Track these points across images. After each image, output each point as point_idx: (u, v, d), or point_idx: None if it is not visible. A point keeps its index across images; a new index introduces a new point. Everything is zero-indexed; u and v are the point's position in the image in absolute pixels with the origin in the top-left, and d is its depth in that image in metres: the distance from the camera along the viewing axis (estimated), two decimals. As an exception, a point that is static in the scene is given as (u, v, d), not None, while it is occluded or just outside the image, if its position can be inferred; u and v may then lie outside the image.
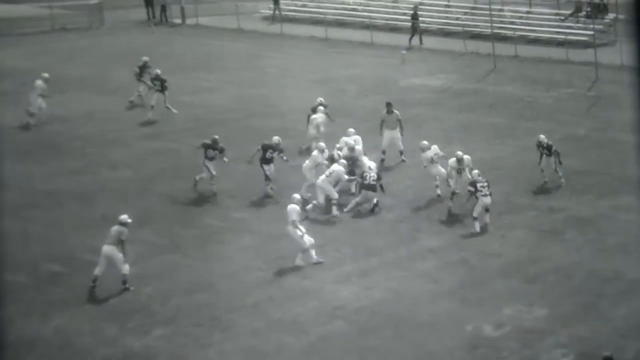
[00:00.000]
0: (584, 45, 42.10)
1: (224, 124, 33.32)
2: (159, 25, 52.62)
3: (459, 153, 24.79)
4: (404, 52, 42.61)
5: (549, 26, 45.75)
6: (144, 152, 30.52)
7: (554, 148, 25.88)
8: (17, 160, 28.92)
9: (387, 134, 28.00)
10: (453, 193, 24.22)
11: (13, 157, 28.87)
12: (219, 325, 18.93)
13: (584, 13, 45.17)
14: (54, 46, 47.44)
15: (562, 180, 25.80)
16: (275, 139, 26.11)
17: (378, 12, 50.46)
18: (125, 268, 20.33)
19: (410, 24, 46.17)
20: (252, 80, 34.82)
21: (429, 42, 45.09)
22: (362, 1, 51.99)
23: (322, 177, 24.68)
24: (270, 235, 22.72)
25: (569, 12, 45.84)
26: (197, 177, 26.21)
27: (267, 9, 53.49)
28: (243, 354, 17.90)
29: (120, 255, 20.32)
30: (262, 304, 19.75)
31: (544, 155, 25.83)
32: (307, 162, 25.84)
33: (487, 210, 23.31)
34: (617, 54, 37.91)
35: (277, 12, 52.34)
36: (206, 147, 26.26)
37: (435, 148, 25.46)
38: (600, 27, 43.60)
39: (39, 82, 33.36)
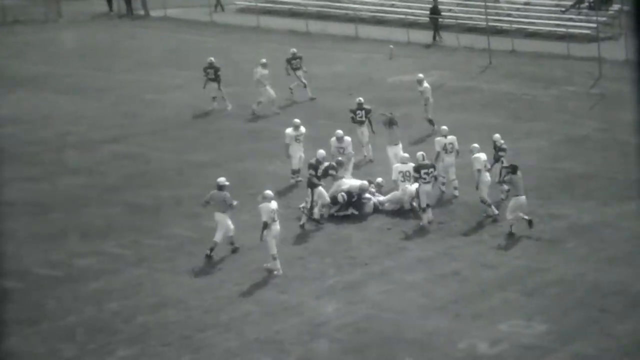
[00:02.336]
0: (587, 39, 42.34)
1: (194, 125, 33.44)
2: (122, 17, 52.64)
3: (445, 127, 26.41)
4: (391, 46, 42.79)
5: (549, 18, 46.00)
6: (106, 156, 30.58)
7: (504, 154, 25.47)
8: (-35, 167, 28.94)
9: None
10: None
11: (-40, 164, 28.89)
12: (189, 345, 18.99)
13: (586, 4, 45.39)
14: (5, 40, 47.33)
15: (503, 196, 25.24)
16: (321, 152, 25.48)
17: (364, 3, 50.58)
18: (231, 229, 22.67)
19: (429, 19, 46.04)
20: (225, 78, 34.86)
21: (418, 36, 45.28)
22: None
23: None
24: (246, 246, 22.80)
25: (570, 3, 46.09)
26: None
27: (243, 0, 53.55)
28: (216, 375, 17.97)
29: (229, 222, 22.50)
30: (237, 322, 19.83)
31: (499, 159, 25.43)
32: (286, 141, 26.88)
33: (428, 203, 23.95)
34: (622, 49, 38.18)
35: (219, 6, 52.33)
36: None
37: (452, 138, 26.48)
38: (604, 19, 43.88)
39: None
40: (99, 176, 28.81)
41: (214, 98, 34.43)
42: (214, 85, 34.37)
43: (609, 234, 23.33)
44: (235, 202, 23.09)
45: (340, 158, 26.18)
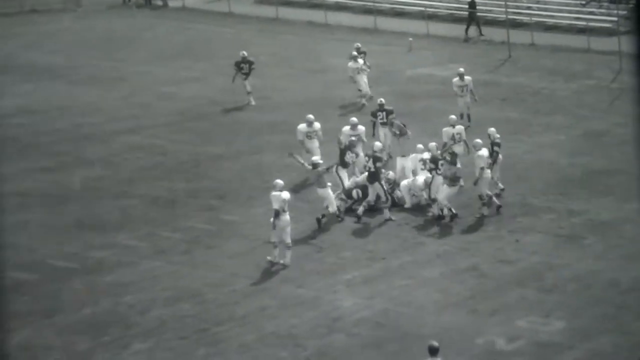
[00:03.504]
0: (607, 32, 42.16)
1: (210, 117, 33.47)
2: (141, 8, 52.68)
3: (453, 117, 26.91)
4: (410, 39, 42.72)
5: (569, 11, 45.84)
6: (122, 148, 30.63)
7: (498, 149, 25.19)
8: (-20, 158, 29.04)
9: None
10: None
11: (-25, 155, 29.00)
12: (205, 339, 19.02)
13: (607, -3, 45.24)
14: (22, 30, 47.46)
15: (497, 190, 25.18)
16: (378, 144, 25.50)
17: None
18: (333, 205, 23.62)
19: (467, 13, 45.80)
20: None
21: (438, 28, 45.18)
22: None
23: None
24: (262, 239, 22.81)
25: (590, -5, 45.92)
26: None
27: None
28: (231, 370, 18.01)
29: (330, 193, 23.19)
30: (253, 315, 19.85)
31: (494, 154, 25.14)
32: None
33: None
34: (644, 42, 37.95)
35: None
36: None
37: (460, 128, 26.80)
38: (625, 12, 43.63)
39: None
40: (114, 168, 28.87)
41: (249, 93, 33.87)
42: (247, 79, 33.78)
43: (628, 230, 23.23)
44: (330, 167, 24.43)
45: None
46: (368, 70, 34.07)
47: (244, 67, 33.75)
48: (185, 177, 27.93)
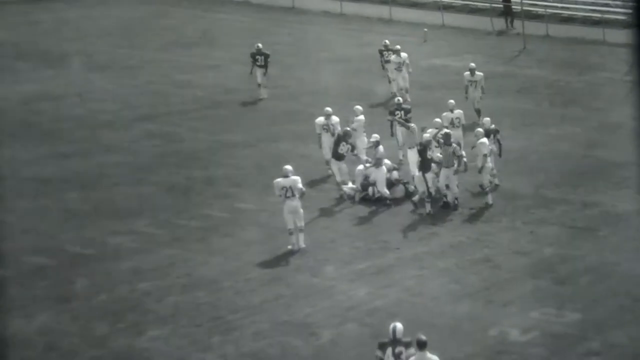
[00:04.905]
0: (623, 24, 41.96)
1: (226, 105, 33.41)
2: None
3: (452, 102, 27.12)
4: (425, 29, 42.57)
5: (584, 3, 45.65)
6: (139, 135, 30.60)
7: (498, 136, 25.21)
8: (0, 144, 29.01)
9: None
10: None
11: (-5, 140, 29.00)
12: (220, 327, 18.97)
13: (622, -11, 45.02)
14: (40, 17, 47.46)
15: (497, 181, 25.08)
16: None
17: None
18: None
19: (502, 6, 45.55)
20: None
21: (453, 19, 44.98)
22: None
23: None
24: (278, 228, 22.74)
25: (606, -12, 45.71)
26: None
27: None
28: (246, 358, 17.93)
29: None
30: (268, 304, 19.79)
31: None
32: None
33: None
34: (659, 35, 37.75)
35: None
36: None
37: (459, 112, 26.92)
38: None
39: None
40: (131, 155, 28.83)
41: (259, 85, 33.43)
42: (262, 71, 33.21)
43: (643, 222, 23.10)
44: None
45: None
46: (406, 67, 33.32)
47: (259, 59, 33.26)
48: (201, 165, 27.88)
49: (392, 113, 27.81)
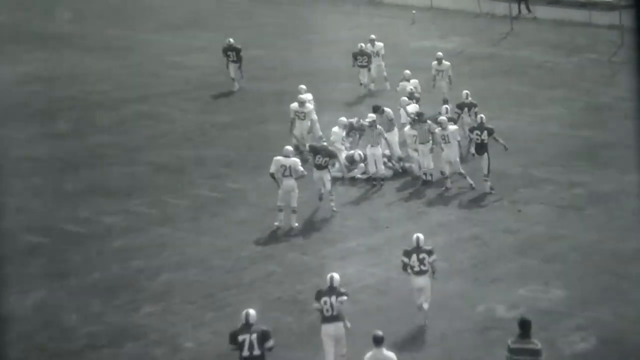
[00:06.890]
0: (609, 6, 42.03)
1: (216, 87, 33.45)
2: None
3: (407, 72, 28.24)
4: (414, 11, 42.62)
5: (571, -14, 45.61)
6: (131, 116, 30.69)
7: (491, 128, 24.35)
8: (-6, 124, 29.11)
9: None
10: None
11: (-11, 120, 29.07)
12: (212, 304, 19.13)
13: (609, -29, 45.02)
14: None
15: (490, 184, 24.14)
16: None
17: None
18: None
19: None
20: (248, 40, 34.84)
21: (441, 1, 45.00)
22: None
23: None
24: (268, 207, 22.89)
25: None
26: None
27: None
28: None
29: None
30: (259, 281, 19.96)
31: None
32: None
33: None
34: (645, 17, 37.84)
35: None
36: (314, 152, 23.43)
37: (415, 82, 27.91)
38: (627, -13, 43.55)
39: None
40: (123, 135, 28.92)
41: (233, 79, 32.56)
42: (235, 65, 32.32)
43: (629, 202, 23.24)
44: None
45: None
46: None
47: (230, 54, 32.39)
48: (192, 145, 28.00)
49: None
